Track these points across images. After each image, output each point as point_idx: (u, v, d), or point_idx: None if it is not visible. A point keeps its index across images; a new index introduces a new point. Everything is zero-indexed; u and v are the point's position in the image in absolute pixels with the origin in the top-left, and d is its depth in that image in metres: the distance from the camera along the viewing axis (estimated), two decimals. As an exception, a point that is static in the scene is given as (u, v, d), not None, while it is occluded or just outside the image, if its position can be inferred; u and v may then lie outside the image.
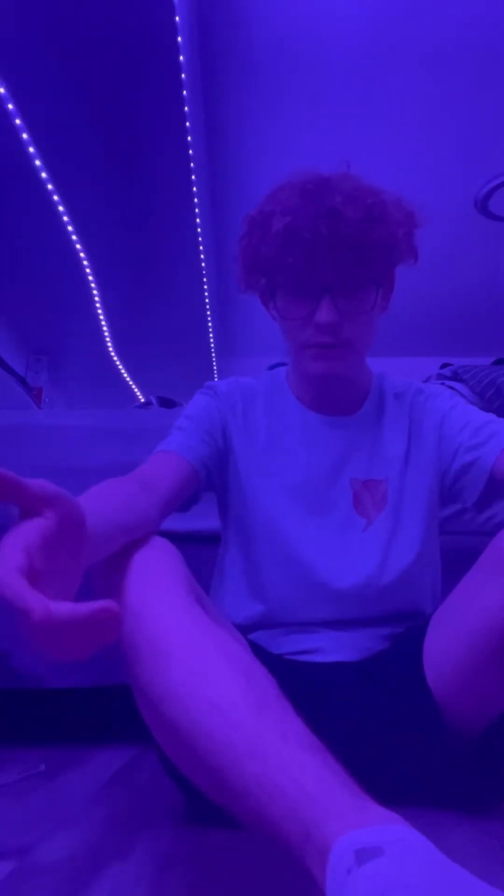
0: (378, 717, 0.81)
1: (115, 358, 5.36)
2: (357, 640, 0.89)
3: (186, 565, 0.70)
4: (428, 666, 0.79)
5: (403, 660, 0.82)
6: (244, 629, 0.93)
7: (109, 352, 5.22)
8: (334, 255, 0.81)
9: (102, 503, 0.65)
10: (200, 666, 0.56)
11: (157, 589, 0.63)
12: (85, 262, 3.92)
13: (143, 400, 3.09)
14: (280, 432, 0.96)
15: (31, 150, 2.97)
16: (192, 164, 3.19)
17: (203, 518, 1.09)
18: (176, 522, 1.29)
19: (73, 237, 3.65)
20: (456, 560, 1.02)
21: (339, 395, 0.97)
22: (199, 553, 1.17)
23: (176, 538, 1.34)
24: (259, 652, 0.89)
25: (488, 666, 0.72)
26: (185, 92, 2.76)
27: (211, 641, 0.58)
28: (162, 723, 0.57)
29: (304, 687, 0.85)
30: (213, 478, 0.96)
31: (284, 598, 0.90)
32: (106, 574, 0.67)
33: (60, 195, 3.30)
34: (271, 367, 2.14)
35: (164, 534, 1.34)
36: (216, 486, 0.99)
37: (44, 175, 3.14)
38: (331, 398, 0.97)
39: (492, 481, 0.88)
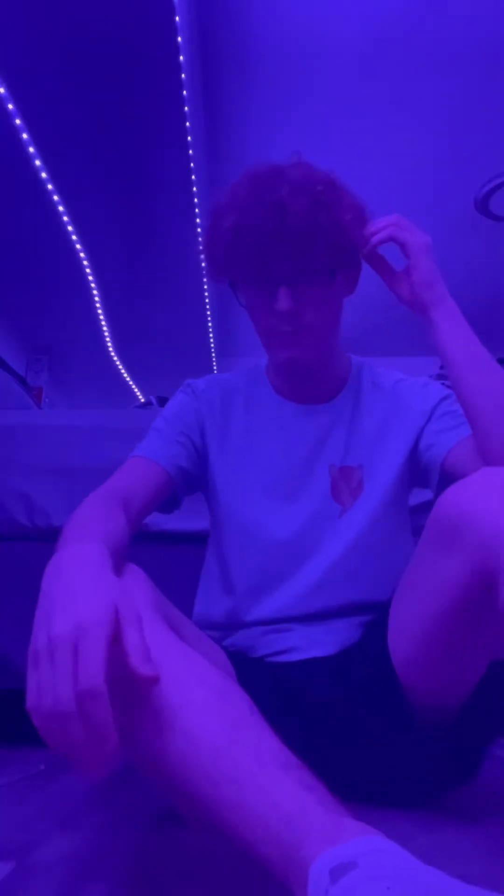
0: (350, 711, 0.81)
1: (115, 358, 5.36)
2: (330, 634, 0.89)
3: (154, 586, 0.70)
4: (393, 652, 0.79)
5: (373, 649, 0.83)
6: (219, 627, 0.93)
7: (109, 352, 5.22)
8: (283, 246, 0.82)
9: (108, 536, 0.68)
10: (172, 694, 0.55)
11: None
12: (85, 263, 3.92)
13: (143, 400, 3.09)
14: (256, 424, 0.98)
15: (31, 150, 2.97)
16: (191, 165, 3.19)
17: (202, 518, 1.09)
18: (176, 522, 1.29)
19: (73, 237, 3.65)
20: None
21: (314, 383, 0.97)
22: (199, 553, 1.17)
23: (176, 538, 1.34)
24: (238, 657, 0.89)
25: (445, 639, 0.72)
26: (185, 92, 2.76)
27: (181, 666, 0.57)
28: (136, 750, 0.57)
29: (281, 688, 0.84)
30: (195, 478, 0.97)
31: (252, 590, 0.91)
32: None
33: (60, 195, 3.30)
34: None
35: (165, 534, 1.33)
36: (200, 485, 1.00)
37: (44, 175, 3.14)
38: (306, 386, 0.97)
39: (444, 472, 0.89)
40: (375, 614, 0.89)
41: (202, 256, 0.93)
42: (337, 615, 0.90)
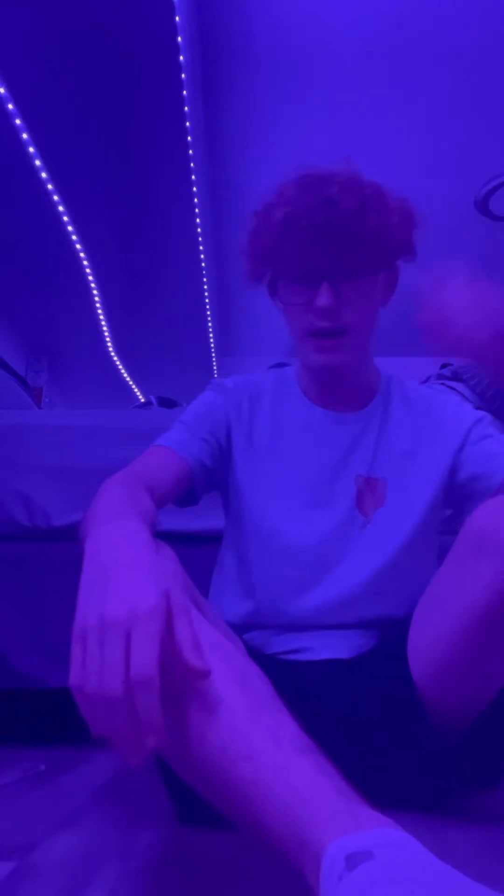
0: (365, 715, 0.80)
1: (115, 358, 5.37)
2: (348, 638, 0.88)
3: (182, 566, 0.70)
4: (412, 658, 0.79)
5: (391, 655, 0.82)
6: (238, 629, 0.93)
7: (109, 352, 5.23)
8: (330, 242, 0.83)
9: (143, 514, 0.68)
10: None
11: None
12: (85, 263, 3.92)
13: (143, 400, 3.09)
14: (283, 429, 0.97)
15: (31, 150, 2.97)
16: (192, 165, 3.19)
17: (204, 518, 1.09)
18: (177, 522, 1.29)
19: (73, 237, 3.65)
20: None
21: (345, 391, 0.97)
22: (200, 553, 1.17)
23: (177, 538, 1.34)
24: (252, 652, 0.89)
25: (469, 653, 0.72)
26: (185, 92, 2.76)
27: (207, 645, 0.57)
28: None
29: (294, 686, 0.84)
30: (215, 477, 0.97)
31: (273, 597, 0.90)
32: None
33: (60, 195, 3.31)
34: (271, 367, 2.14)
35: (165, 534, 1.33)
36: (219, 484, 0.99)
37: (44, 175, 3.14)
38: (337, 394, 0.97)
39: None
40: (394, 626, 0.89)
41: (246, 258, 0.92)
42: (355, 627, 0.89)
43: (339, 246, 0.83)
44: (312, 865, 0.42)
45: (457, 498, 0.94)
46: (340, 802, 0.45)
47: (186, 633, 0.54)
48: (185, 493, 0.94)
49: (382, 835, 0.42)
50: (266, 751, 0.49)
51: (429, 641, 0.76)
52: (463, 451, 0.93)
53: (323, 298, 0.84)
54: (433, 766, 0.77)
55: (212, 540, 1.07)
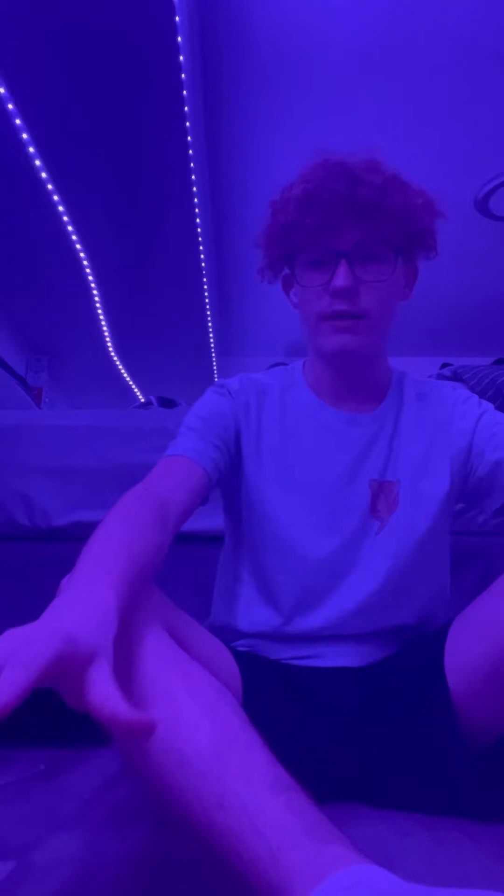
0: (390, 722, 0.79)
1: (115, 358, 5.36)
2: (360, 648, 0.87)
3: (164, 596, 0.68)
4: (450, 669, 0.77)
5: (420, 665, 0.81)
6: (243, 635, 0.91)
7: (109, 352, 5.22)
8: (352, 217, 0.81)
9: (133, 552, 0.63)
10: (166, 713, 0.54)
11: (125, 631, 0.60)
12: (85, 262, 3.91)
13: (143, 400, 3.09)
14: (294, 431, 0.93)
15: (31, 150, 2.97)
16: (191, 164, 3.18)
17: (205, 518, 1.08)
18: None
19: (73, 237, 3.64)
20: (456, 560, 1.02)
21: (357, 385, 0.93)
22: (201, 553, 1.17)
23: (177, 538, 1.34)
24: (256, 658, 0.87)
25: None
26: (185, 92, 2.76)
27: (179, 681, 0.57)
28: (134, 768, 0.57)
29: (304, 691, 0.83)
30: (224, 481, 0.94)
31: (298, 609, 0.88)
32: None
33: (60, 195, 3.30)
34: (271, 367, 2.14)
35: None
36: (225, 488, 0.97)
37: (44, 175, 3.13)
38: (349, 389, 0.93)
39: None
40: (408, 633, 0.89)
41: (262, 247, 0.91)
42: (370, 637, 0.88)
43: (361, 223, 0.81)
44: None
45: (473, 494, 0.92)
46: (308, 848, 0.44)
47: (101, 691, 0.47)
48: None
49: (347, 875, 0.42)
50: (236, 795, 0.48)
51: (470, 656, 0.75)
52: (473, 449, 0.90)
53: (340, 278, 0.81)
54: (460, 773, 0.75)
55: (212, 540, 1.07)
